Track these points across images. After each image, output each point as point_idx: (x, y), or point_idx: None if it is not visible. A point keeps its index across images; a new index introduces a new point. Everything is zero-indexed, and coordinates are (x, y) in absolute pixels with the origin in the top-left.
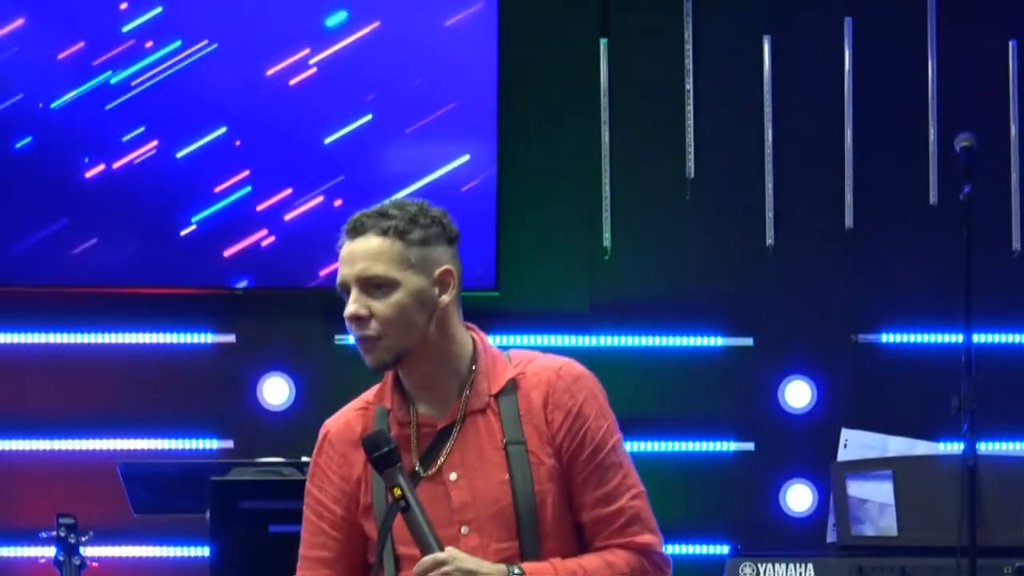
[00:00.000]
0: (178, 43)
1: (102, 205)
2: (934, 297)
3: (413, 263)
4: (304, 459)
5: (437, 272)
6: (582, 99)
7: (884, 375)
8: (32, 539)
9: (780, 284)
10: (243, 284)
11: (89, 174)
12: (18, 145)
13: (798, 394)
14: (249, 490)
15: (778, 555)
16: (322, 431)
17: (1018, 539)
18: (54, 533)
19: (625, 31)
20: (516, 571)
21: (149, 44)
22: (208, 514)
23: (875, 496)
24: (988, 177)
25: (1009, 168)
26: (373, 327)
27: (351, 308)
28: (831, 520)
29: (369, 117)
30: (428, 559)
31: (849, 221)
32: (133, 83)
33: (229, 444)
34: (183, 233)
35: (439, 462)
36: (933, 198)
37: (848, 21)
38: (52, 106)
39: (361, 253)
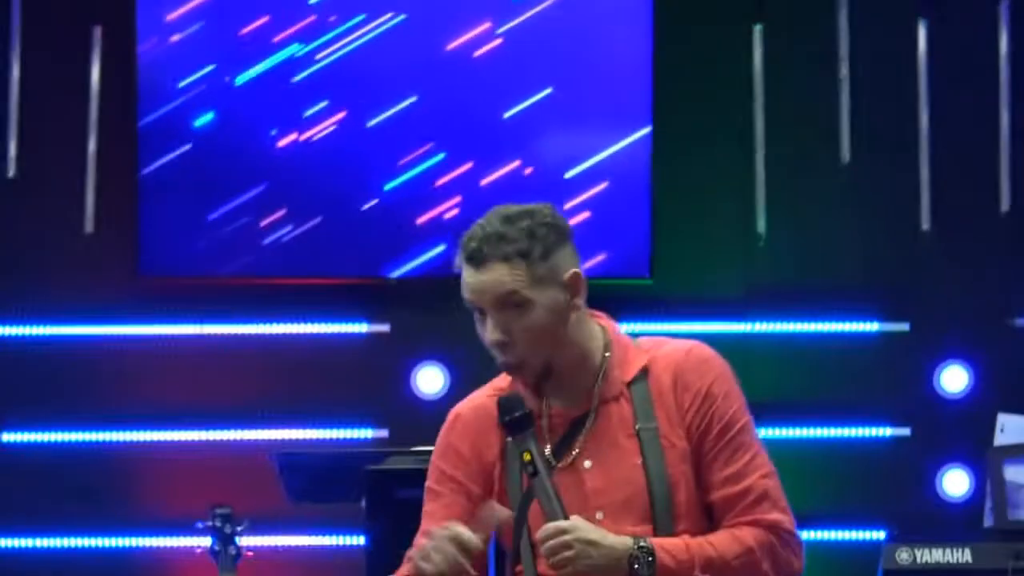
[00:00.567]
0: (362, 16)
1: (293, 178)
2: None
3: (542, 278)
4: None
5: (565, 277)
6: (736, 85)
7: None
8: (188, 530)
9: (936, 268)
10: (396, 273)
11: (281, 143)
12: (198, 123)
13: (954, 379)
14: (404, 479)
15: (935, 540)
16: (452, 413)
17: None
18: (210, 523)
19: (779, 17)
20: (643, 543)
21: (333, 18)
22: (363, 503)
23: None
24: None
25: None
26: (516, 353)
27: (493, 336)
28: (988, 505)
29: (549, 91)
30: (551, 526)
31: (1005, 204)
32: (317, 56)
33: (384, 434)
34: (364, 208)
35: (573, 453)
36: None
37: (1004, 4)
38: (236, 82)
39: (491, 284)
